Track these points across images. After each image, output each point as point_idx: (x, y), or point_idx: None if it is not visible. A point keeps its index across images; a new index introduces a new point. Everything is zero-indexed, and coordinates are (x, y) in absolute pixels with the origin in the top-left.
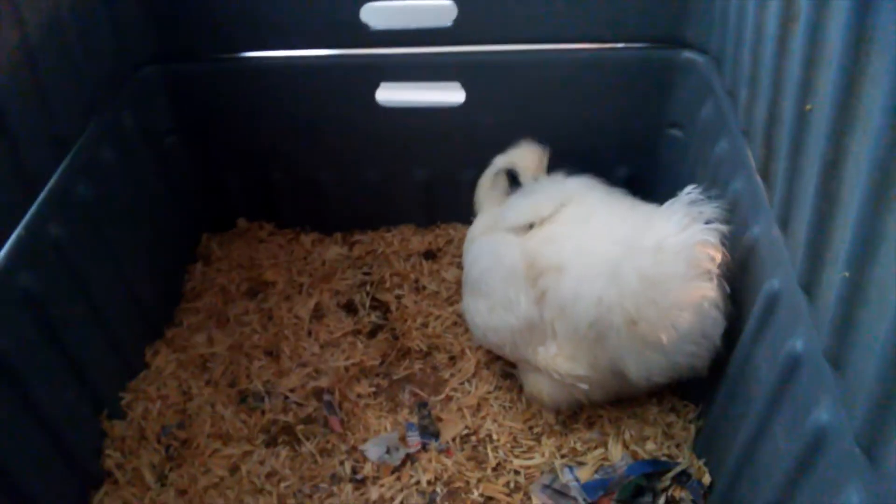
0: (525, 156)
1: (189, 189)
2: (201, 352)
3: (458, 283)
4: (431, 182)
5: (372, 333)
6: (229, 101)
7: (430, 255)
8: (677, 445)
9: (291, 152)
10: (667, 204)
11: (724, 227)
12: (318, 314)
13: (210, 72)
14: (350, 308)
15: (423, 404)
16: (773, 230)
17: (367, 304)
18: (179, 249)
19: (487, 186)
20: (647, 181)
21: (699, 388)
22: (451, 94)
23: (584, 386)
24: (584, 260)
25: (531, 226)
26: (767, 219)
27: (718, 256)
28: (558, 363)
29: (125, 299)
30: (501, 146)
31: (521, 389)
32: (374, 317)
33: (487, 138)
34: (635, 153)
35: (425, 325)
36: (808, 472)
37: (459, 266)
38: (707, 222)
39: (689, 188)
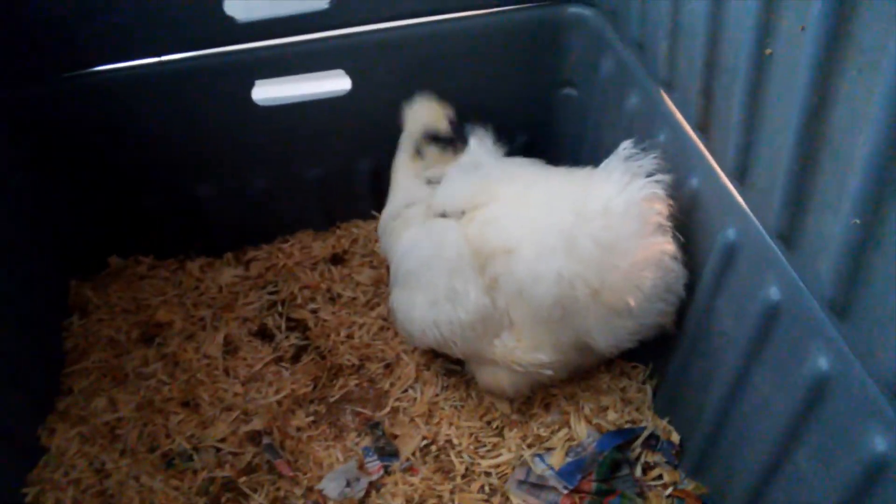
0: (427, 111)
1: (47, 230)
2: (106, 419)
3: (375, 284)
4: (325, 180)
5: (295, 357)
6: (84, 124)
7: (336, 259)
8: (637, 409)
9: (163, 171)
10: (603, 164)
11: (665, 178)
12: (230, 348)
13: (58, 93)
14: (264, 334)
15: (374, 424)
16: (717, 180)
17: (283, 325)
18: (47, 303)
19: (409, 163)
20: (549, 146)
21: (645, 347)
22: (335, 83)
23: (549, 372)
24: (535, 237)
25: (463, 211)
26: (706, 169)
27: (666, 208)
28: (519, 354)
29: None
30: (396, 129)
31: (468, 385)
32: (294, 338)
33: (380, 123)
34: (533, 118)
35: (350, 336)
36: (814, 418)
37: (372, 265)
38: (647, 176)
39: (624, 144)
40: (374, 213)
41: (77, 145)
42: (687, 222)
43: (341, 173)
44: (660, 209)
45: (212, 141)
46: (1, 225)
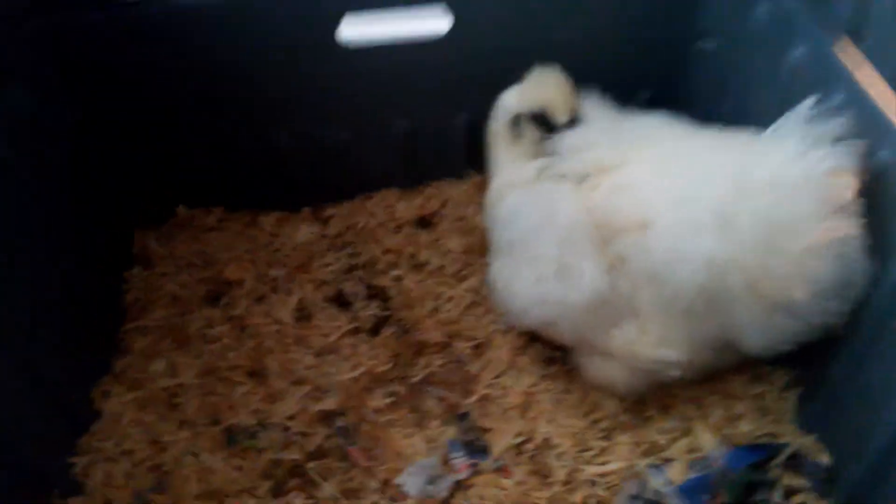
0: (548, 88)
1: (112, 174)
2: (165, 384)
3: (467, 253)
4: (415, 134)
5: (374, 330)
6: (145, 56)
7: (424, 222)
8: (775, 421)
9: (236, 115)
10: (773, 126)
11: (856, 146)
12: (303, 314)
13: (118, 22)
14: (341, 301)
15: (461, 415)
16: None
17: (362, 293)
18: (110, 253)
19: (506, 140)
20: (676, 107)
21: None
22: (433, 21)
23: (676, 372)
24: (680, 210)
25: (586, 175)
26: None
27: (853, 185)
28: (643, 349)
29: (53, 330)
30: (500, 82)
31: (570, 377)
32: (374, 308)
33: (481, 72)
34: (658, 73)
35: (437, 310)
36: None
37: (464, 231)
38: (833, 143)
39: (806, 102)
40: (468, 171)
41: (141, 81)
42: (872, 203)
43: (432, 127)
44: (845, 185)
45: (291, 84)
46: (59, 165)
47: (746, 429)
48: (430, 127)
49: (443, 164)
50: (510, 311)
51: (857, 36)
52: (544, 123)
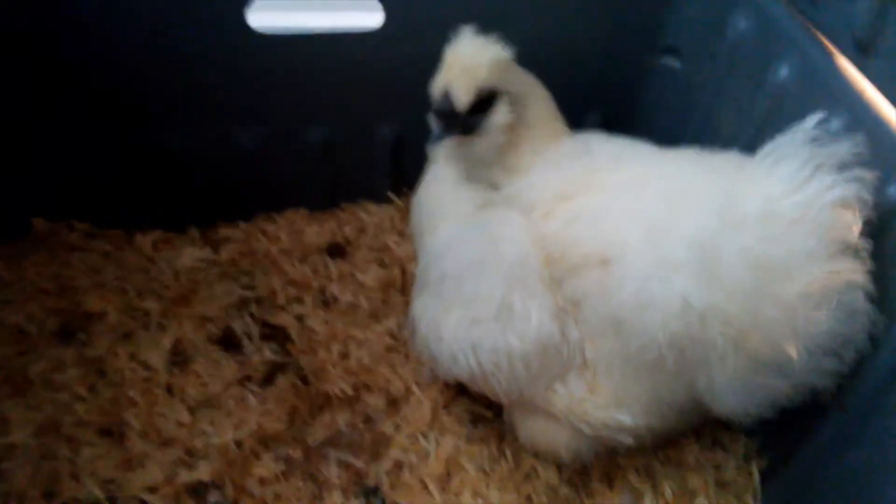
0: (451, 60)
1: None
2: None
3: (384, 289)
4: (332, 145)
5: (268, 379)
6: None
7: (336, 250)
8: (736, 496)
9: (109, 107)
10: (767, 148)
11: (869, 176)
12: (179, 358)
13: None
14: (229, 343)
15: (370, 490)
16: None
17: (256, 333)
18: None
19: (442, 156)
20: (631, 130)
21: None
22: (363, 14)
23: (629, 440)
24: (651, 244)
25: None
26: None
27: (859, 221)
28: (593, 410)
29: None
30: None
31: (501, 439)
32: (269, 352)
33: (413, 80)
34: (613, 91)
35: (345, 355)
36: None
37: (383, 263)
38: (838, 170)
39: (811, 119)
40: (391, 195)
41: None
42: (881, 246)
43: (355, 138)
44: (850, 222)
45: (186, 75)
46: None
47: None
48: (350, 138)
49: (362, 184)
50: (434, 359)
51: (866, 51)
52: (448, 113)
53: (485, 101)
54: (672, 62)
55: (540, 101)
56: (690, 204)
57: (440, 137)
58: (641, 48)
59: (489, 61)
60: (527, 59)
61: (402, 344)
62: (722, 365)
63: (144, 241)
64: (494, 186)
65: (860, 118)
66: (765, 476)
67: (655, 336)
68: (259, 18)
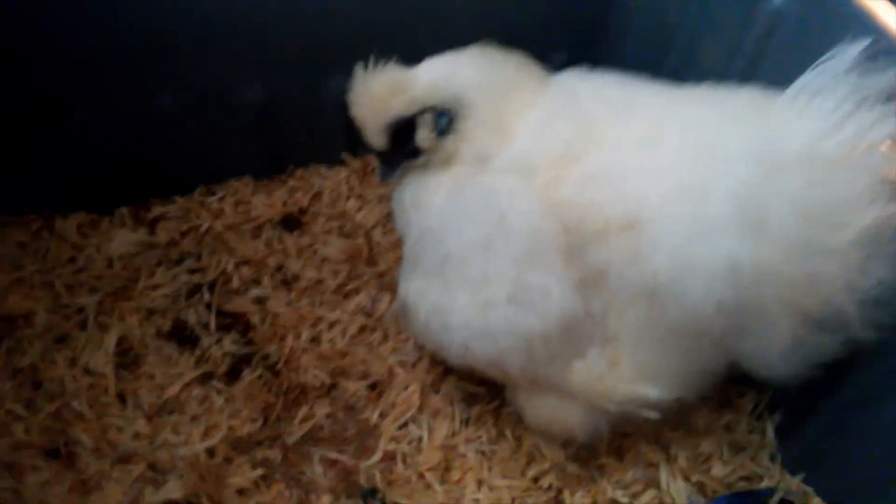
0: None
1: None
2: None
3: (350, 260)
4: (273, 105)
5: (233, 373)
6: None
7: (291, 222)
8: (752, 458)
9: (9, 67)
10: (799, 82)
11: None
12: (127, 359)
13: None
14: (183, 336)
15: (367, 492)
16: None
17: (212, 322)
18: None
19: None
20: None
21: None
22: None
23: (655, 415)
24: (686, 203)
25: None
26: None
27: None
28: (616, 385)
29: None
30: (388, 36)
31: (497, 416)
32: (230, 343)
33: (363, 24)
34: (575, 31)
35: (316, 339)
36: None
37: (344, 232)
38: (884, 102)
39: (843, 48)
40: (345, 156)
41: None
42: None
43: (299, 94)
44: None
45: (89, 24)
46: None
47: (720, 472)
48: (293, 96)
49: (312, 146)
50: (441, 349)
51: None
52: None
53: (408, 127)
54: None
55: (490, 88)
56: (720, 153)
57: (386, 175)
58: None
59: (387, 96)
60: (484, 3)
61: (377, 321)
62: (772, 328)
63: (67, 226)
64: (483, 159)
65: (885, 48)
66: (779, 433)
67: (699, 304)
68: None
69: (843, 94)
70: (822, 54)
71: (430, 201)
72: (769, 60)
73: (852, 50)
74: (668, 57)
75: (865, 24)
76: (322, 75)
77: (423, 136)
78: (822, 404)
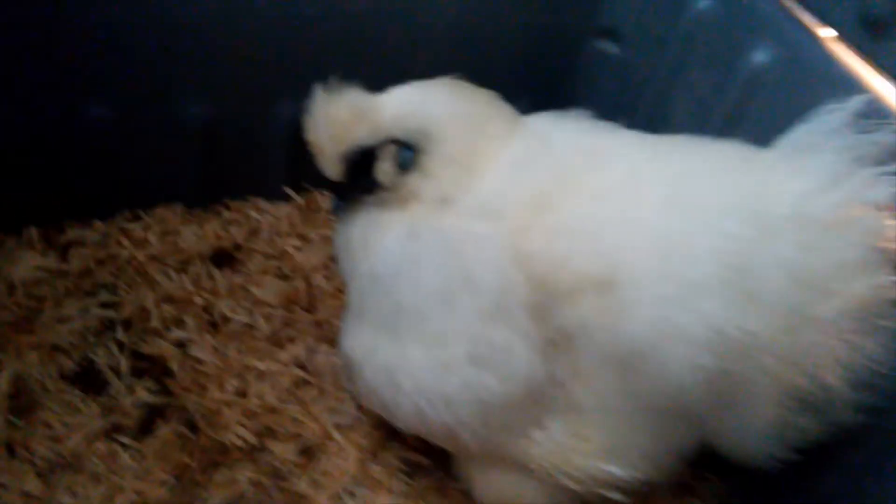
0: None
1: None
2: None
3: (286, 305)
4: (215, 125)
5: (145, 427)
6: None
7: (223, 258)
8: None
9: None
10: (791, 135)
11: None
12: (22, 403)
13: None
14: (90, 380)
15: None
16: None
17: (125, 366)
18: None
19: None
20: None
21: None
22: None
23: (619, 496)
24: (667, 261)
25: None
26: None
27: None
28: (577, 460)
29: None
30: (344, 59)
31: (442, 491)
32: (144, 391)
33: (317, 45)
34: (541, 78)
35: (243, 392)
36: None
37: (282, 273)
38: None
39: (831, 107)
40: (287, 191)
41: None
42: None
43: (244, 117)
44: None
45: (20, 21)
46: None
47: None
48: (239, 117)
49: (253, 176)
50: (388, 412)
51: (879, 30)
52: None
53: (367, 158)
54: (609, 47)
55: (461, 123)
56: (705, 208)
57: (339, 207)
58: (574, 27)
59: (349, 121)
60: (449, 36)
61: (313, 375)
62: (754, 404)
63: None
64: (445, 200)
65: (870, 108)
66: None
67: (678, 374)
68: None
69: (836, 151)
70: (803, 114)
71: (383, 244)
72: (749, 120)
73: (847, 106)
74: (635, 116)
75: (850, 86)
76: (273, 99)
77: (384, 169)
78: (794, 494)
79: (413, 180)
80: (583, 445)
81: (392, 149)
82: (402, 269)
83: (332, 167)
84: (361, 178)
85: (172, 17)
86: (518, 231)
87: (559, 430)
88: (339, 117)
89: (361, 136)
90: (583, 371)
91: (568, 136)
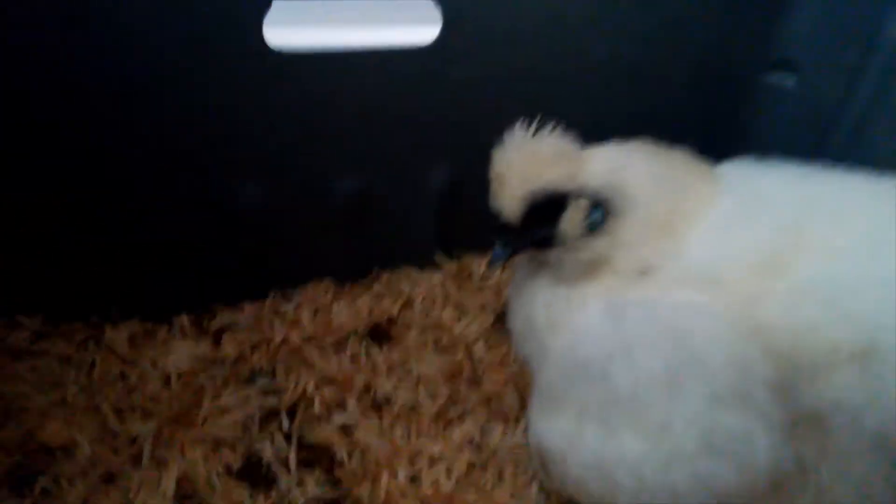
0: (529, 155)
1: None
2: None
3: (450, 380)
4: (365, 195)
5: None
6: None
7: (379, 333)
8: None
9: (53, 157)
10: None
11: None
12: (189, 503)
13: None
14: (257, 474)
15: None
16: None
17: (293, 457)
18: None
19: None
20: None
21: None
22: (410, 28)
23: None
24: None
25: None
26: None
27: None
28: None
29: None
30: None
31: None
32: (314, 483)
33: (475, 107)
34: (701, 119)
35: (416, 479)
36: None
37: (439, 346)
38: None
39: None
40: (439, 259)
41: None
42: None
43: (395, 187)
44: None
45: (174, 104)
46: None
47: None
48: (389, 187)
49: (403, 246)
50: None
51: None
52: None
53: (552, 207)
54: (786, 80)
55: (662, 184)
56: None
57: (498, 258)
58: (747, 60)
59: (546, 160)
60: (609, 86)
61: (489, 455)
62: None
63: (117, 336)
64: (644, 270)
65: None
66: None
67: None
68: (277, 34)
69: None
70: None
71: (579, 324)
72: None
73: None
74: (827, 147)
75: None
76: (423, 166)
77: (572, 221)
78: None
79: (601, 245)
80: None
81: (584, 202)
82: (612, 352)
83: (512, 205)
84: (540, 226)
85: (334, 98)
86: (748, 298)
87: None
88: (539, 154)
89: (555, 178)
90: (834, 456)
91: (782, 186)
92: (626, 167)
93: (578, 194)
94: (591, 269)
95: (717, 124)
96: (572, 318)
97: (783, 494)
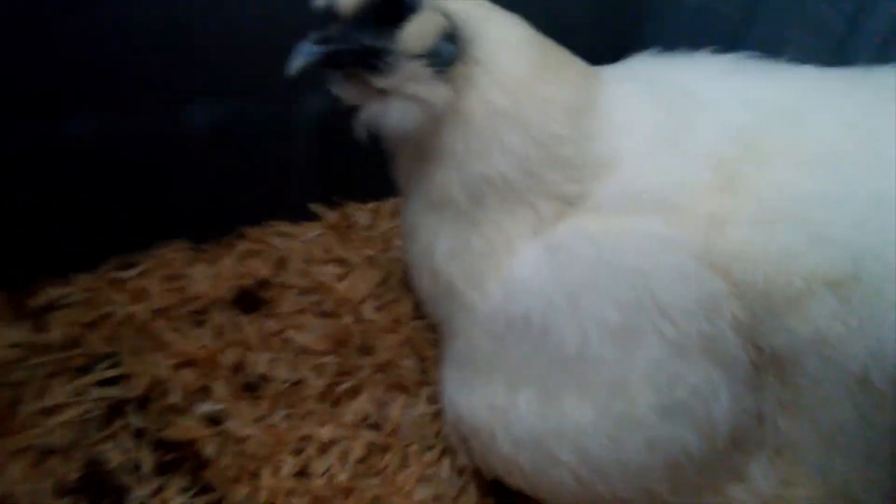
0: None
1: None
2: None
3: (336, 349)
4: (224, 129)
5: None
6: None
7: (248, 300)
8: None
9: None
10: None
11: None
12: None
13: None
14: (101, 488)
15: None
16: None
17: (148, 461)
18: None
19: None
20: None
21: None
22: None
23: None
24: None
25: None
26: None
27: None
28: None
29: None
30: None
31: None
32: (176, 491)
33: None
34: (604, 24)
35: (305, 471)
36: None
37: (324, 311)
38: None
39: None
40: (315, 208)
41: None
42: None
43: (260, 120)
44: None
45: None
46: None
47: None
48: (252, 120)
49: (273, 196)
50: (534, 486)
51: None
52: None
53: (397, 15)
54: None
55: (514, 49)
56: None
57: (307, 55)
58: None
59: None
60: None
61: (389, 433)
62: None
63: None
64: (563, 199)
65: None
66: None
67: None
68: None
69: None
70: None
71: (510, 273)
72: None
73: None
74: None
75: None
76: (291, 94)
77: (416, 36)
78: None
79: (438, 91)
80: (797, 492)
81: (436, 22)
82: (552, 302)
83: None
84: (377, 33)
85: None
86: (709, 224)
87: (764, 478)
88: None
89: None
90: (800, 401)
91: (712, 81)
92: (496, 19)
93: (434, 8)
94: (425, 158)
95: (609, 28)
96: (499, 268)
97: (741, 451)
